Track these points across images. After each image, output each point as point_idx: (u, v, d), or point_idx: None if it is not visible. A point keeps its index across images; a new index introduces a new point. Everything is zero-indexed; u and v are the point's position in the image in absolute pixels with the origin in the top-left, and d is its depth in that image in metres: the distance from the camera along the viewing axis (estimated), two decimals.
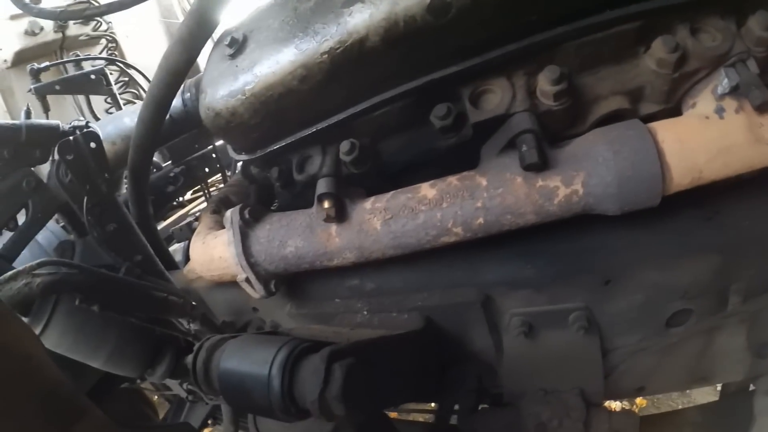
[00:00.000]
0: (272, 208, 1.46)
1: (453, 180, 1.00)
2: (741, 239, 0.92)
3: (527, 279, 1.02)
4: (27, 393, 0.74)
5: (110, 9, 1.66)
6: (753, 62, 0.87)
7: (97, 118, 2.96)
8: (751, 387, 1.21)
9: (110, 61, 3.12)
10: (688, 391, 2.93)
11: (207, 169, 2.48)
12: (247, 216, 1.17)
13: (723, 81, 0.88)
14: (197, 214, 2.59)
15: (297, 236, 1.13)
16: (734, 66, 0.87)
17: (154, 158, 2.19)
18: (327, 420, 0.73)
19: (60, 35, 3.72)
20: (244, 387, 0.77)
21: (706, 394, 2.73)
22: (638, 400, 3.06)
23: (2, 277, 1.12)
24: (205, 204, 2.77)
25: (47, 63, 2.76)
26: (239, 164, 1.92)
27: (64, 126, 1.53)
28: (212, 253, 1.26)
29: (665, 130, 0.88)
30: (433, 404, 1.68)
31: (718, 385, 1.62)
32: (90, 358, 1.41)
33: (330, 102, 1.05)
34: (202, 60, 1.25)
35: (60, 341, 1.34)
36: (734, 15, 0.90)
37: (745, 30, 0.88)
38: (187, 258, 1.71)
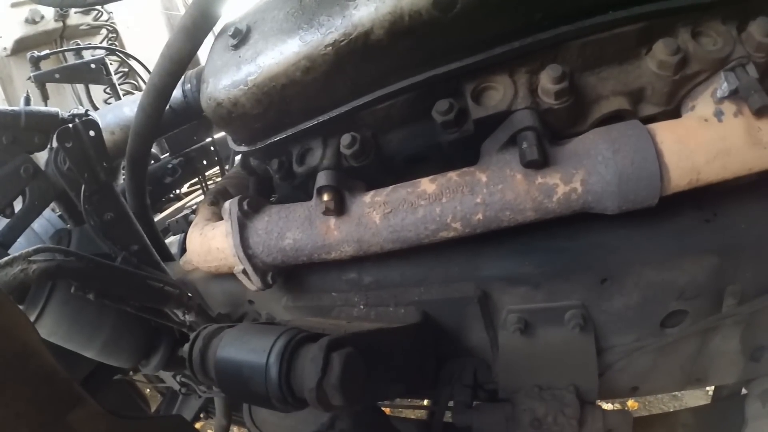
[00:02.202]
0: (271, 200, 1.46)
1: (453, 175, 1.00)
2: (738, 241, 0.93)
3: (525, 276, 1.02)
4: (22, 379, 0.74)
5: None
6: (753, 67, 0.88)
7: (96, 108, 2.94)
8: (744, 391, 1.22)
9: (110, 51, 3.11)
10: (679, 394, 2.95)
11: (205, 162, 2.48)
12: (245, 207, 1.17)
13: (723, 85, 0.88)
14: (194, 207, 2.59)
15: (296, 228, 1.13)
16: (734, 70, 0.88)
17: (153, 149, 2.18)
18: (324, 410, 0.73)
19: (60, 24, 3.71)
20: (241, 375, 0.76)
21: (696, 398, 2.75)
22: (630, 402, 3.08)
23: None
24: (202, 197, 2.77)
25: (47, 51, 2.76)
26: (238, 157, 1.91)
27: (64, 114, 1.53)
28: (210, 244, 1.26)
29: (665, 132, 0.89)
30: (426, 401, 1.68)
31: (709, 388, 1.63)
32: (84, 346, 1.41)
33: (333, 94, 1.05)
34: (201, 53, 1.25)
35: (55, 329, 1.34)
36: (735, 20, 0.91)
37: (745, 35, 0.89)
38: (183, 250, 1.71)
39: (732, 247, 0.93)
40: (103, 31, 3.91)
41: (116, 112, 1.93)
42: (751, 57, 0.88)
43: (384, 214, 1.03)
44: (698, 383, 1.12)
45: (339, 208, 1.07)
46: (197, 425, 2.65)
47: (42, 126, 1.44)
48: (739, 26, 0.91)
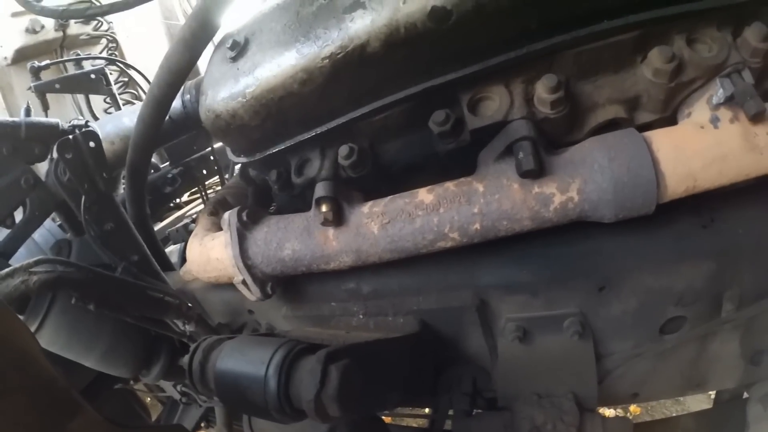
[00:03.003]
0: (270, 210, 1.46)
1: (450, 185, 1.00)
2: (736, 247, 0.92)
3: (523, 284, 1.02)
4: (21, 387, 0.74)
5: (112, 9, 1.65)
6: (748, 73, 0.88)
7: (96, 118, 2.96)
8: (745, 395, 1.22)
9: (110, 61, 3.13)
10: (681, 398, 2.94)
11: (205, 171, 2.48)
12: (244, 218, 1.18)
13: (718, 91, 0.88)
14: (194, 216, 2.59)
15: (294, 239, 1.13)
16: (730, 76, 0.88)
17: (153, 159, 2.19)
18: (322, 421, 0.73)
19: (61, 34, 3.73)
20: (241, 387, 0.77)
21: (699, 402, 2.74)
22: (632, 407, 3.07)
23: None
24: (201, 206, 2.77)
25: (47, 61, 2.78)
26: (237, 167, 1.92)
27: (64, 124, 1.54)
28: (209, 254, 1.26)
29: (661, 139, 0.89)
30: (427, 409, 1.68)
31: (711, 392, 1.63)
32: (84, 356, 1.41)
33: (330, 106, 1.06)
34: (201, 63, 1.26)
35: (55, 339, 1.34)
36: (730, 26, 0.91)
37: (741, 41, 0.89)
38: (183, 260, 1.71)
39: (730, 253, 0.93)
40: (103, 41, 3.93)
41: (116, 123, 1.94)
42: (746, 62, 0.88)
43: (382, 224, 1.04)
44: (698, 388, 1.12)
45: (337, 219, 1.07)
46: None
47: (42, 137, 1.45)
48: (734, 32, 0.91)
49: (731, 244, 0.93)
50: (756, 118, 0.85)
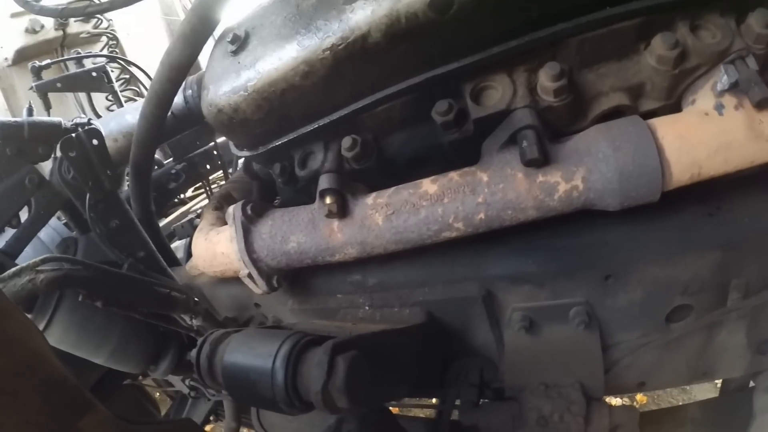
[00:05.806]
0: (274, 203, 1.47)
1: (454, 175, 1.00)
2: (742, 235, 0.92)
3: (528, 274, 1.02)
4: (32, 387, 0.75)
5: (112, 6, 1.66)
6: (752, 59, 0.87)
7: (98, 116, 2.96)
8: (751, 384, 1.22)
9: (111, 59, 3.13)
10: (688, 387, 2.94)
11: (208, 166, 2.49)
12: (249, 212, 1.18)
13: (722, 78, 0.88)
14: (198, 211, 2.60)
15: (299, 232, 1.13)
16: (734, 63, 0.87)
17: (156, 155, 2.20)
18: (330, 412, 0.73)
19: (61, 33, 3.74)
20: (248, 380, 0.77)
21: (705, 391, 2.74)
22: (638, 396, 3.07)
23: (6, 273, 1.13)
24: (206, 201, 2.78)
25: (48, 60, 2.78)
26: (241, 161, 1.92)
27: (67, 123, 1.54)
28: (215, 249, 1.27)
29: (665, 127, 0.88)
30: (434, 400, 1.69)
31: (717, 381, 1.62)
32: (93, 354, 1.42)
33: (332, 98, 1.06)
34: (202, 58, 1.26)
35: (63, 337, 1.35)
36: (734, 12, 0.90)
37: (744, 27, 0.88)
38: (189, 255, 1.72)
39: (736, 241, 0.93)
40: (104, 39, 3.94)
41: (119, 120, 1.94)
42: (750, 49, 0.87)
43: (386, 215, 1.04)
44: (705, 377, 1.12)
45: (342, 211, 1.07)
46: (207, 428, 2.66)
47: (45, 136, 1.45)
48: (738, 18, 0.90)
49: (737, 232, 0.93)
50: (761, 105, 0.85)
